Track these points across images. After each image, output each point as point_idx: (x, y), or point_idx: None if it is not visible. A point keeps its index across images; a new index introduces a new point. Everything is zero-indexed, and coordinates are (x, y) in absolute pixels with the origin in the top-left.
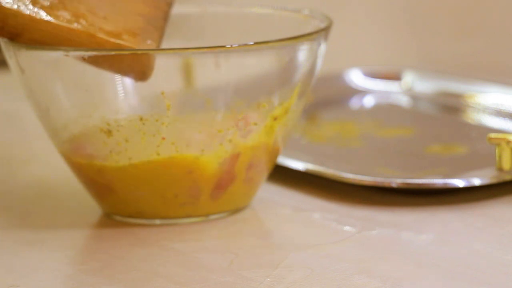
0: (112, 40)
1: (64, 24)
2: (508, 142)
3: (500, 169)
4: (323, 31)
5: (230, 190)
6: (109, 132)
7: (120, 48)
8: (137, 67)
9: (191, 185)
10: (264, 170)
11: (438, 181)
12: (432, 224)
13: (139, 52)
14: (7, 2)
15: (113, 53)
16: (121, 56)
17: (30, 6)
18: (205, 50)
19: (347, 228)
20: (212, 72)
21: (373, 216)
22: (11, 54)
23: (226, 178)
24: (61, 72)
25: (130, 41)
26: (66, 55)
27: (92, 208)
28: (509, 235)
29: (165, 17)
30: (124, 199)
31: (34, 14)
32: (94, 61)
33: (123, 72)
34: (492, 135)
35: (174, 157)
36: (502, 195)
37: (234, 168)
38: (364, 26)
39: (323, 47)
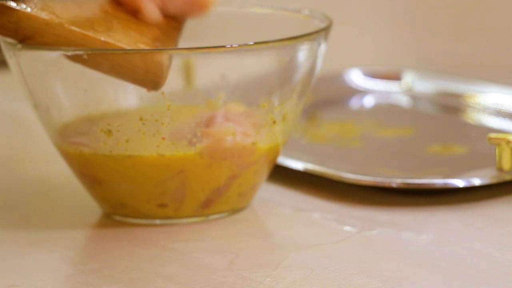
0: (125, 47)
1: (78, 29)
2: (508, 142)
3: (500, 169)
4: (323, 31)
5: (229, 191)
6: (109, 132)
7: (116, 48)
8: (150, 77)
9: (179, 187)
10: (264, 170)
11: (438, 181)
12: (432, 224)
13: (137, 52)
14: (21, 5)
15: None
16: (135, 66)
17: (45, 10)
18: (205, 50)
19: (347, 228)
20: (212, 72)
21: (373, 216)
22: (11, 54)
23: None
24: (61, 72)
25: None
26: (66, 55)
27: (92, 208)
28: (509, 235)
29: (180, 27)
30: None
31: (48, 18)
32: (108, 70)
33: (137, 81)
34: (492, 135)
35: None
36: (502, 195)
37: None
38: (364, 26)
39: (323, 47)
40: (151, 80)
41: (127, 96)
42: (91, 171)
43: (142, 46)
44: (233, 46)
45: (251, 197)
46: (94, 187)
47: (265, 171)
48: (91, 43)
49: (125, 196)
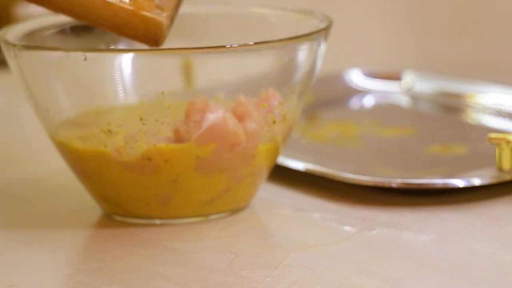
0: (126, 7)
1: None
2: (508, 142)
3: (500, 169)
4: (323, 31)
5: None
6: (109, 132)
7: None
8: (150, 36)
9: (169, 194)
10: (264, 170)
11: (438, 181)
12: (432, 224)
13: (140, 52)
14: None
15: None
16: (135, 26)
17: None
18: (205, 50)
19: (347, 228)
20: (212, 72)
21: (373, 216)
22: (11, 54)
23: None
24: (61, 72)
25: (145, 6)
26: (66, 55)
27: (92, 208)
28: (508, 235)
29: None
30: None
31: None
32: (110, 29)
33: (138, 39)
34: (492, 135)
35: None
36: (502, 195)
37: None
38: (364, 26)
39: (323, 47)
40: (151, 38)
41: (127, 96)
42: (84, 167)
43: (141, 1)
44: (233, 46)
45: (251, 197)
46: (83, 180)
47: (265, 171)
48: (91, 2)
49: (112, 193)
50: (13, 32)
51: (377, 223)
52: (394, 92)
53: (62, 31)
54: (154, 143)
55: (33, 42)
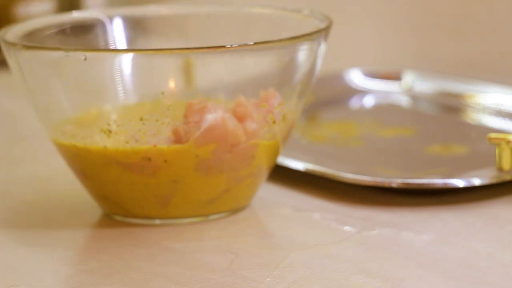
0: None
1: None
2: (508, 142)
3: (500, 169)
4: (323, 31)
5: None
6: (109, 132)
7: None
8: None
9: (168, 194)
10: (264, 170)
11: (438, 181)
12: (432, 224)
13: (140, 51)
14: None
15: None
16: None
17: None
18: (205, 50)
19: (347, 228)
20: (212, 72)
21: (373, 216)
22: (11, 54)
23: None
24: (61, 72)
25: None
26: (66, 55)
27: (92, 208)
28: (508, 235)
29: None
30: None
31: None
32: None
33: None
34: (492, 135)
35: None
36: (502, 195)
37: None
38: (364, 26)
39: (323, 47)
40: None
41: (127, 96)
42: (84, 167)
43: None
44: (233, 46)
45: (251, 197)
46: (83, 180)
47: (260, 182)
48: None
49: (112, 193)
50: (13, 32)
51: (377, 223)
52: (394, 92)
53: (62, 31)
54: (154, 143)
55: (33, 42)
